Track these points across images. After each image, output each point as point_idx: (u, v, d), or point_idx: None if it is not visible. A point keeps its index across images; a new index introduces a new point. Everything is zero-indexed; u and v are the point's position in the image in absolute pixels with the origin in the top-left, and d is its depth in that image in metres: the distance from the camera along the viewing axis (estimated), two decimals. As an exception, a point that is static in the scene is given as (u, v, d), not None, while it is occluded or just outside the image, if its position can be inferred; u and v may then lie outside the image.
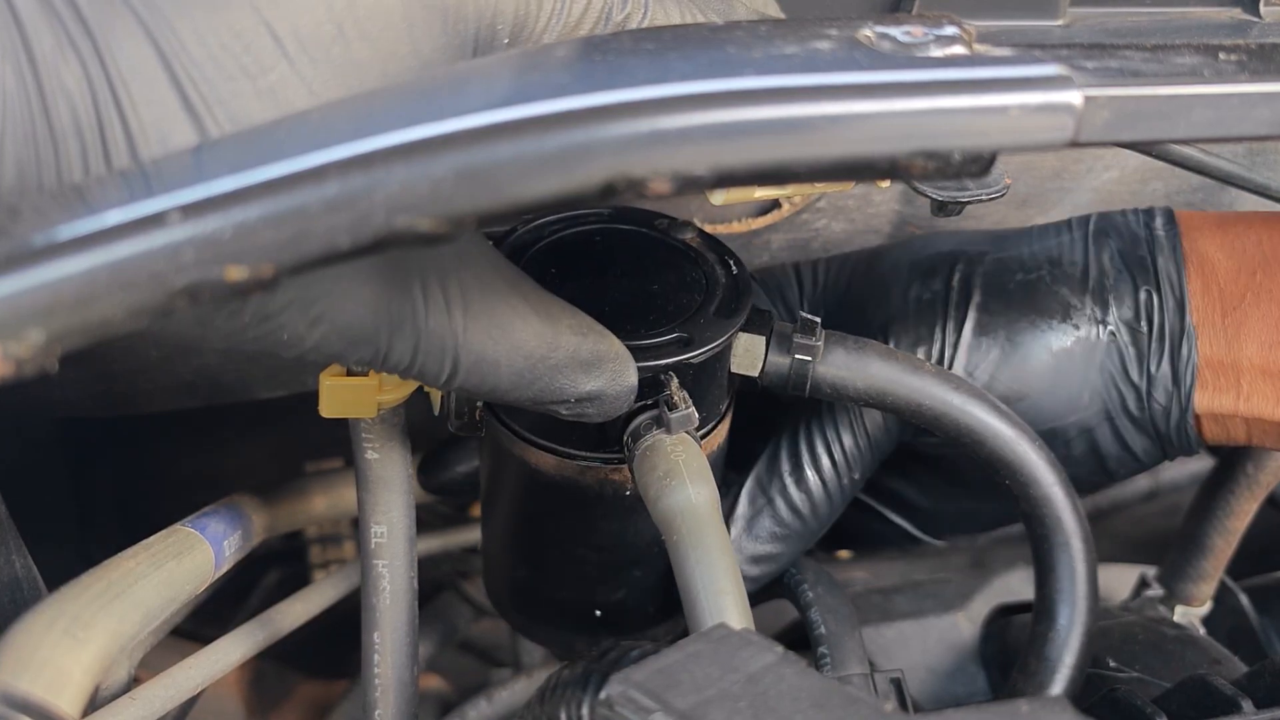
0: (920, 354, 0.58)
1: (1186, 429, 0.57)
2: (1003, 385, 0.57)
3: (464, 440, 0.66)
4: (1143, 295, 0.57)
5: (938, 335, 0.58)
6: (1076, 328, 0.57)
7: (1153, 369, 0.56)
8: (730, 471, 0.60)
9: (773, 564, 0.59)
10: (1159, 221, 0.59)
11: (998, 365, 0.57)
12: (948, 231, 0.63)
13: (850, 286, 0.63)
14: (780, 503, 0.58)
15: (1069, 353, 0.57)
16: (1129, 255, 0.58)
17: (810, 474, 0.58)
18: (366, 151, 0.30)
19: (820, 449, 0.58)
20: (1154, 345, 0.57)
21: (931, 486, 0.65)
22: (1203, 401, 0.57)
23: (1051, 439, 0.57)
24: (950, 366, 0.57)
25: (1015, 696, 0.55)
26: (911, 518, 0.68)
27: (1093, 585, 0.54)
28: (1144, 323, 0.57)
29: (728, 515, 0.59)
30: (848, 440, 0.58)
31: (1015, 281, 0.58)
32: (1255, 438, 0.58)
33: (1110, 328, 0.57)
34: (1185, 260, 0.57)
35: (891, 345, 0.57)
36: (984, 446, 0.54)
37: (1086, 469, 0.59)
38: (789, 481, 0.58)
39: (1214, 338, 0.56)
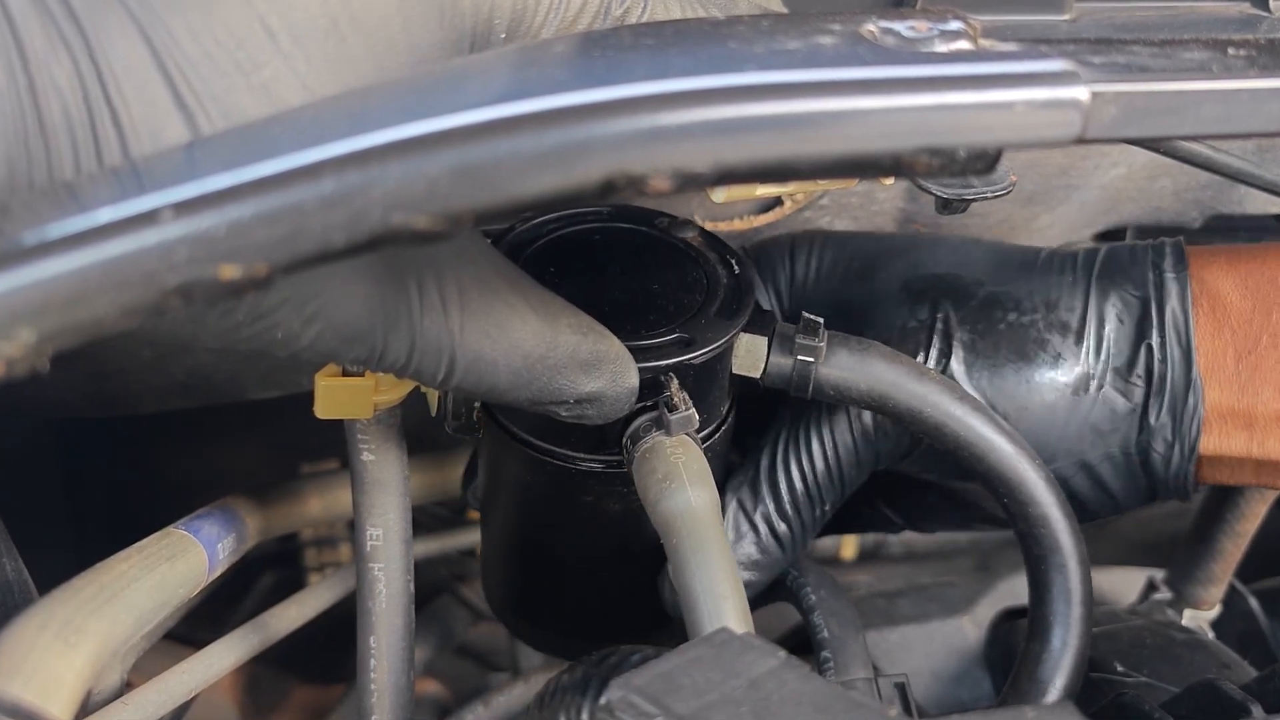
0: None
1: (1186, 476, 0.56)
2: None
3: None
4: (1144, 348, 0.55)
5: None
6: (1064, 380, 0.56)
7: (1151, 420, 0.55)
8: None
9: (748, 590, 0.57)
10: (1168, 261, 0.57)
11: None
12: (952, 240, 0.62)
13: (843, 290, 0.61)
14: (764, 529, 0.58)
15: (1050, 407, 0.56)
16: (1133, 302, 0.56)
17: (787, 501, 0.57)
18: (362, 148, 0.29)
19: (796, 476, 0.57)
20: (1153, 398, 0.55)
21: (910, 481, 0.64)
22: (1209, 445, 0.55)
23: None
24: None
25: None
26: (895, 505, 0.67)
27: (1088, 608, 0.54)
28: (1143, 375, 0.55)
29: None
30: (820, 467, 0.57)
31: (1006, 323, 0.57)
32: (1265, 480, 0.56)
33: (1100, 383, 0.55)
34: (1195, 303, 0.55)
35: None
36: (983, 462, 0.53)
37: None
38: (770, 508, 0.57)
39: (1225, 383, 0.54)
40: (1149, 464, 0.56)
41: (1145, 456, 0.56)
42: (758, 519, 0.58)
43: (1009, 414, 0.56)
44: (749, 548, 0.58)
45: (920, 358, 0.56)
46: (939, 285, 0.58)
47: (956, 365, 0.56)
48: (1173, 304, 0.55)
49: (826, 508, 0.58)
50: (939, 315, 0.57)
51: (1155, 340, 0.55)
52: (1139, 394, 0.55)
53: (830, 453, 0.57)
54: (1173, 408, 0.55)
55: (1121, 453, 0.56)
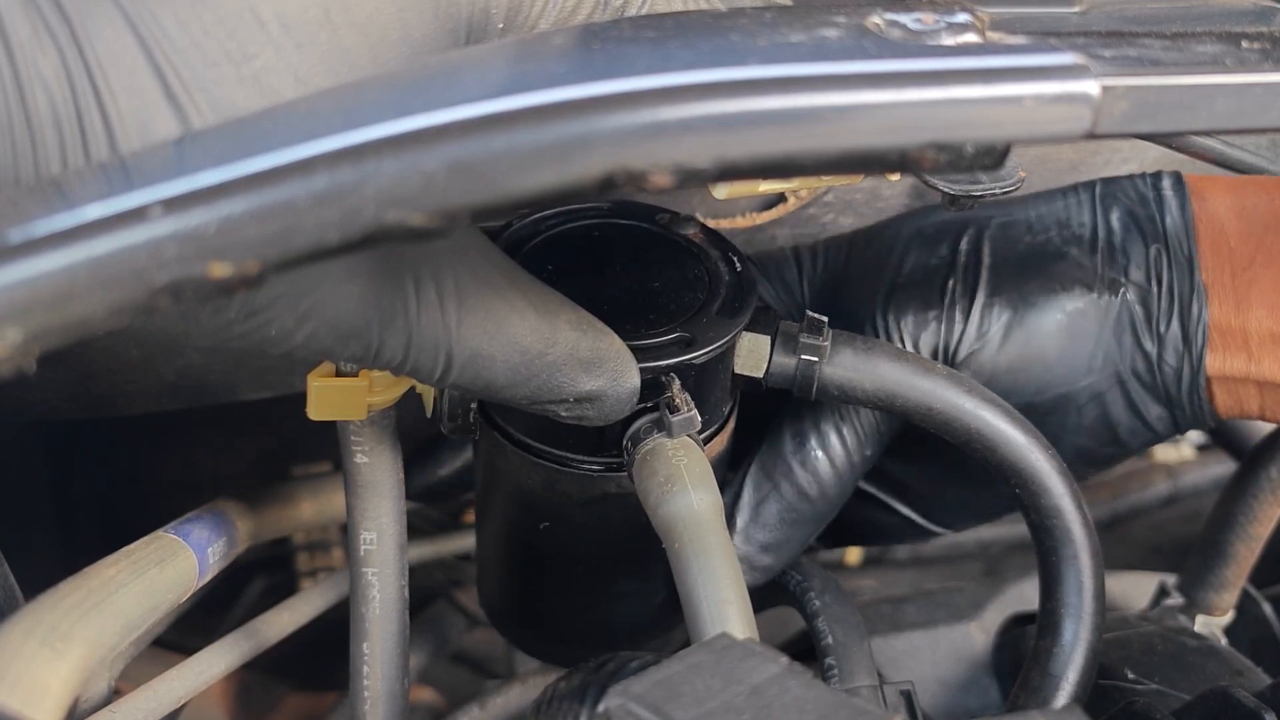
0: (929, 319, 0.57)
1: (1198, 392, 0.56)
2: (1015, 348, 0.57)
3: (449, 440, 0.65)
4: (1152, 252, 0.57)
5: (947, 300, 0.57)
6: (1088, 288, 0.57)
7: (1162, 329, 0.56)
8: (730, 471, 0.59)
9: (784, 550, 0.58)
10: (1166, 183, 0.59)
11: (1009, 328, 0.57)
12: None
13: (850, 261, 0.62)
14: (786, 486, 0.57)
15: (1082, 313, 0.57)
16: (1137, 215, 0.58)
17: (817, 453, 0.57)
18: (356, 144, 0.29)
19: (828, 425, 0.57)
20: (1163, 305, 0.56)
21: (935, 471, 0.64)
22: (1214, 364, 0.56)
23: (1064, 405, 0.57)
24: (963, 331, 0.57)
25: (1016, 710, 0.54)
26: (916, 505, 0.66)
27: (1100, 601, 0.54)
28: (1153, 282, 0.56)
29: (732, 505, 0.58)
30: (859, 413, 0.58)
31: (1024, 243, 0.58)
32: (1269, 409, 0.57)
33: (1121, 287, 0.57)
34: (1195, 220, 0.57)
35: (894, 314, 0.57)
36: (995, 453, 0.53)
37: (1099, 439, 0.59)
38: (794, 463, 0.57)
39: (1223, 299, 0.56)
40: (1164, 380, 0.57)
41: (1161, 371, 0.56)
42: (779, 477, 0.57)
43: (1042, 331, 0.57)
44: (773, 508, 0.58)
45: (948, 291, 0.57)
46: (951, 226, 0.60)
47: (985, 291, 0.57)
48: (1172, 215, 0.57)
49: (868, 453, 0.58)
50: (959, 249, 0.58)
51: (1161, 248, 0.57)
52: (1153, 301, 0.56)
53: (865, 420, 0.58)
54: (1181, 315, 0.56)
55: (1145, 369, 0.57)
